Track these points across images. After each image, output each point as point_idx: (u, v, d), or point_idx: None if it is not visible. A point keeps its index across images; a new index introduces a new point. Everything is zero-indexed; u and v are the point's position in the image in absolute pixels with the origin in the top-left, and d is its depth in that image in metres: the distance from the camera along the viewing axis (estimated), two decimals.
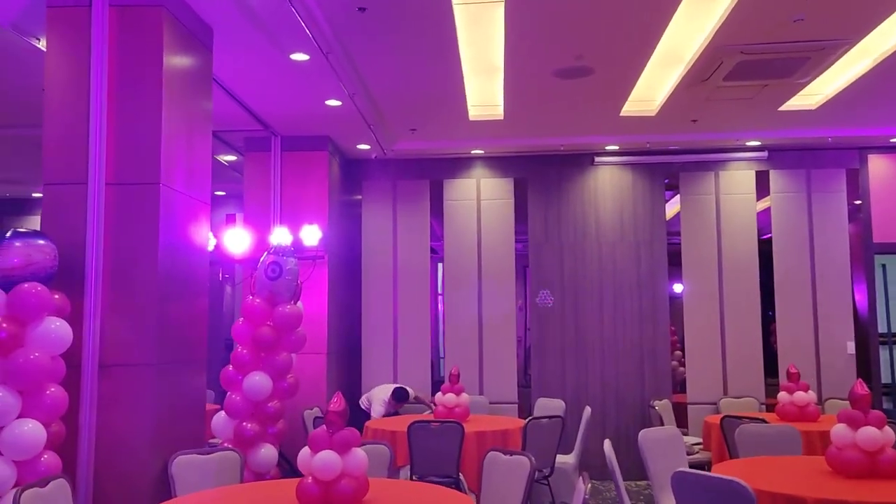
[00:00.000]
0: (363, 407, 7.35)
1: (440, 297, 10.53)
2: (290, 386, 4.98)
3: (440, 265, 10.36)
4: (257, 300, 4.88)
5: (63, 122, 3.88)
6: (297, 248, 6.80)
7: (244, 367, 4.86)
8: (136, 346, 3.77)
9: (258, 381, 4.80)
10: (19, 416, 3.31)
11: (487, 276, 8.33)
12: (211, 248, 6.75)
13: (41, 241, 3.49)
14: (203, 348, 4.41)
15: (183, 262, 4.13)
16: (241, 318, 4.92)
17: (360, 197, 8.54)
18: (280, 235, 6.67)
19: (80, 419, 3.66)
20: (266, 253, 4.97)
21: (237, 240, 6.64)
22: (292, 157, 7.33)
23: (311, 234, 6.82)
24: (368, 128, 7.03)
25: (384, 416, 6.92)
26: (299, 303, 5.10)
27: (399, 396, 7.07)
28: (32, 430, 3.30)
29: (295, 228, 6.97)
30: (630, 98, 6.74)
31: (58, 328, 3.45)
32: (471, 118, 7.09)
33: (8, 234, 3.43)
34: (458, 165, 8.48)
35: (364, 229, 8.47)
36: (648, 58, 5.70)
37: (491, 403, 7.94)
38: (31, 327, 3.39)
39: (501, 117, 7.10)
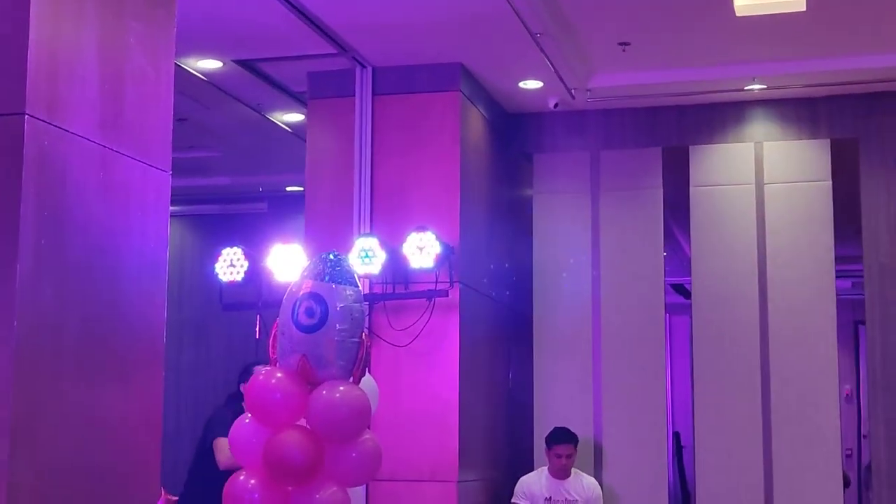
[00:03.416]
0: None
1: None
2: None
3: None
4: (277, 375, 3.84)
5: None
6: (398, 275, 5.88)
7: None
8: None
9: None
10: None
11: (779, 335, 6.98)
12: (241, 277, 6.02)
13: None
14: (153, 481, 3.42)
15: (97, 290, 3.20)
16: (248, 413, 3.92)
17: (529, 191, 7.47)
18: (364, 252, 5.71)
19: None
20: (300, 276, 3.96)
21: (286, 260, 5.80)
22: (394, 106, 6.49)
23: (423, 250, 5.82)
24: (534, 41, 5.91)
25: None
26: (368, 377, 4.03)
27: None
28: None
29: (396, 240, 5.96)
30: None
31: None
32: (738, 12, 5.74)
33: None
34: (717, 116, 7.33)
35: (536, 243, 7.44)
36: None
37: None
38: None
39: (802, 7, 5.68)
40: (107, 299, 3.26)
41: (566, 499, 6.43)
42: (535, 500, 6.48)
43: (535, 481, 6.54)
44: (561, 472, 6.43)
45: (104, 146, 3.25)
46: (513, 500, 6.61)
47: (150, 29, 3.57)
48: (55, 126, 3.04)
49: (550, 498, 6.44)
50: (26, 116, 2.92)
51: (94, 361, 3.19)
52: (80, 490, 3.10)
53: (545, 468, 6.55)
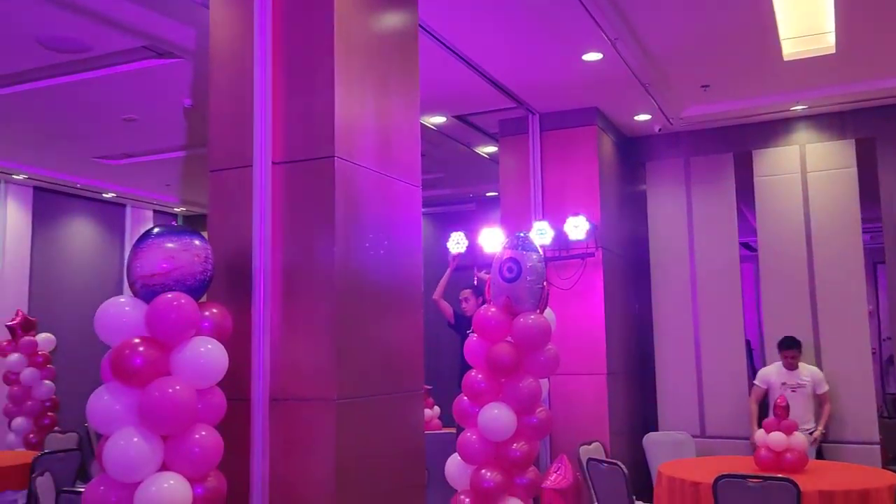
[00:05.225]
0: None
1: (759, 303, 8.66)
2: (539, 422, 3.78)
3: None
4: (492, 309, 3.78)
5: (228, 95, 3.19)
6: (562, 244, 5.74)
7: (479, 398, 3.78)
8: (312, 375, 2.88)
9: (496, 415, 3.68)
10: (161, 469, 2.56)
11: (823, 275, 6.40)
12: (463, 250, 5.99)
13: (193, 241, 2.74)
14: (418, 376, 3.45)
15: (380, 261, 3.19)
16: (475, 333, 3.86)
17: (643, 186, 7.12)
18: (539, 231, 5.59)
19: (252, 469, 2.85)
20: (502, 247, 3.85)
21: (492, 238, 5.75)
22: (554, 138, 6.26)
23: (577, 227, 5.63)
24: (645, 90, 5.65)
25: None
26: (548, 311, 3.91)
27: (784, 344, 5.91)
28: (174, 489, 2.53)
29: (560, 222, 5.84)
30: None
31: (208, 352, 2.67)
32: (786, 58, 5.31)
33: (155, 231, 2.75)
34: (771, 130, 6.69)
35: (651, 221, 7.08)
36: None
37: (840, 443, 5.93)
38: (176, 351, 2.64)
39: (832, 50, 5.21)
40: (387, 267, 3.28)
41: (797, 383, 5.85)
42: (772, 385, 5.89)
43: (772, 372, 5.93)
44: (790, 366, 5.86)
45: (381, 173, 3.28)
46: (754, 382, 6.06)
47: (404, 100, 3.55)
48: (352, 163, 3.08)
49: (785, 383, 5.85)
50: (335, 158, 2.97)
51: (381, 304, 3.22)
52: (374, 382, 3.14)
53: (780, 363, 5.91)
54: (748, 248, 9.17)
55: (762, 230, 6.67)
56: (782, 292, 6.50)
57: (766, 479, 3.90)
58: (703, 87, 5.92)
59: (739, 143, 6.79)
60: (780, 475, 4.01)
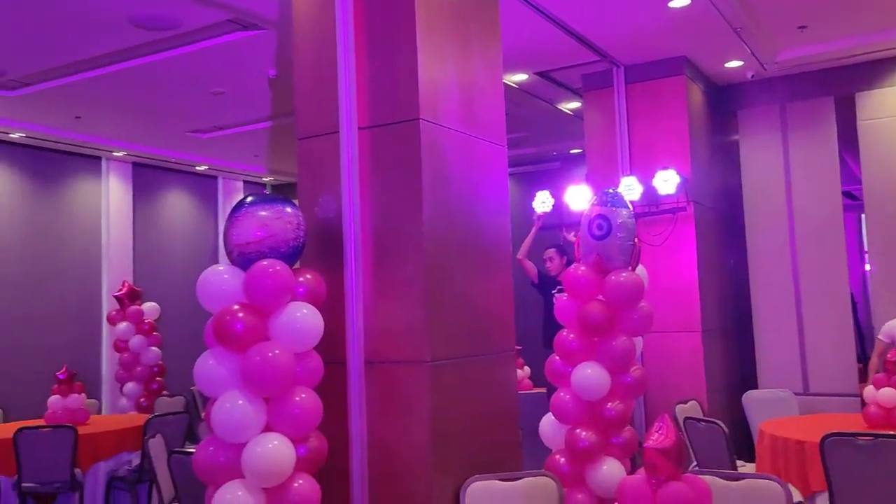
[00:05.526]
0: None
1: (864, 256, 8.21)
2: (634, 381, 3.72)
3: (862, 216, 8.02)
4: (581, 268, 3.71)
5: (312, 63, 3.21)
6: (651, 200, 5.57)
7: (572, 357, 3.73)
8: (404, 338, 2.90)
9: (590, 374, 3.63)
10: (265, 431, 2.65)
11: None
12: (549, 209, 5.91)
13: (285, 208, 2.79)
14: (509, 337, 3.44)
15: (467, 222, 3.18)
16: (564, 292, 3.81)
17: (735, 136, 6.79)
18: (628, 186, 5.44)
19: (350, 431, 2.92)
20: (591, 204, 3.76)
21: (579, 196, 5.63)
22: (639, 90, 6.03)
23: (667, 181, 5.44)
24: (736, 35, 5.37)
25: None
26: (640, 268, 3.80)
27: None
28: (279, 448, 2.61)
29: (648, 177, 5.66)
30: None
31: (304, 317, 2.72)
32: None
33: (248, 200, 2.81)
34: (876, 70, 6.27)
35: (744, 172, 6.77)
36: None
37: None
38: (273, 317, 2.71)
39: None
40: (473, 226, 3.27)
41: None
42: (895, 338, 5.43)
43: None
44: None
45: (465, 133, 3.24)
46: (878, 336, 5.54)
47: (486, 60, 3.50)
48: (437, 124, 3.06)
49: None
50: (420, 120, 2.96)
51: (470, 265, 3.22)
52: (467, 343, 3.16)
53: None
54: (850, 197, 8.68)
55: (867, 177, 6.28)
56: (891, 242, 6.13)
57: (877, 436, 3.71)
58: (799, 27, 5.57)
59: (841, 85, 6.37)
60: (892, 432, 3.81)
